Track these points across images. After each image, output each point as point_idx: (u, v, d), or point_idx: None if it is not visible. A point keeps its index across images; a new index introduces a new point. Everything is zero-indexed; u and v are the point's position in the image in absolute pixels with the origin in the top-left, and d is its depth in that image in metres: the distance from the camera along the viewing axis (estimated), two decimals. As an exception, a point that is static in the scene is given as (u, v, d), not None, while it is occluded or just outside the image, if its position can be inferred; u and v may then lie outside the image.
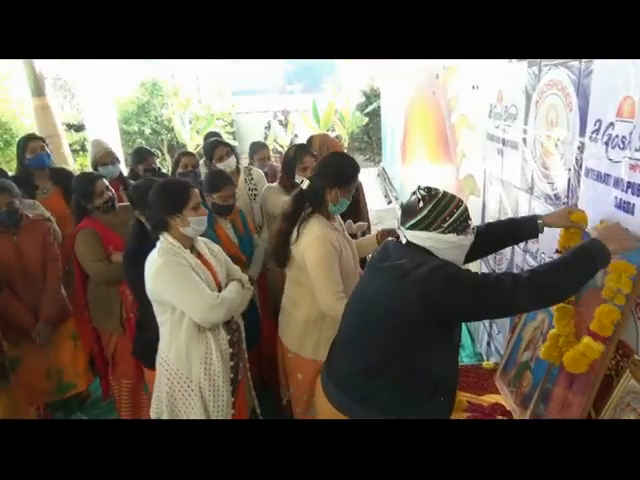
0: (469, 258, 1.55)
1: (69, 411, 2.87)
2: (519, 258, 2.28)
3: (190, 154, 3.17)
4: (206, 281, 1.81)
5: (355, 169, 2.02)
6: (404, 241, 1.46)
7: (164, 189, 1.84)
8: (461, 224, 1.41)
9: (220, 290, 1.87)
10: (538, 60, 2.00)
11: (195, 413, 1.82)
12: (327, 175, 1.94)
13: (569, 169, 1.76)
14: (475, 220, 2.14)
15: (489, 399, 1.91)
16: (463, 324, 2.83)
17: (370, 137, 10.41)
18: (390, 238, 1.59)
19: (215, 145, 3.00)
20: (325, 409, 1.57)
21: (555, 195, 1.90)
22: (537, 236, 1.63)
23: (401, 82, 5.23)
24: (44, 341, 2.49)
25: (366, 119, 10.03)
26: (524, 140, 2.16)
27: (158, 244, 1.80)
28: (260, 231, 3.00)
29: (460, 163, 3.30)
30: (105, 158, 3.07)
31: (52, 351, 2.60)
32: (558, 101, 1.84)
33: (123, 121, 9.83)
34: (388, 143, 6.53)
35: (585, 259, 1.31)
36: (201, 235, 1.92)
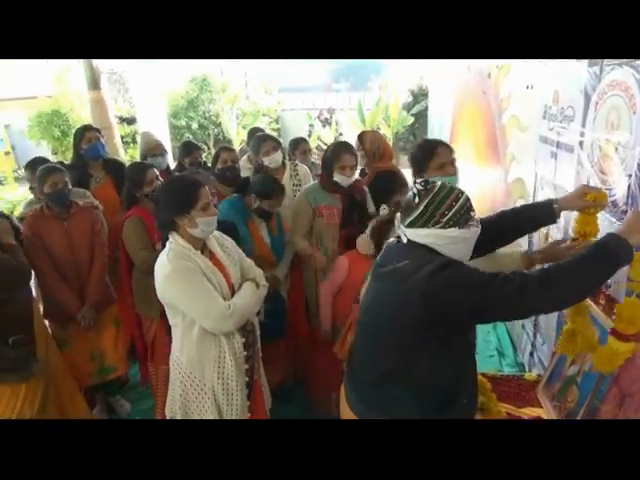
0: (483, 250, 1.45)
1: (109, 394, 2.96)
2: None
3: (230, 149, 3.21)
4: (218, 285, 1.74)
5: None
6: (404, 240, 1.38)
7: (173, 186, 1.78)
8: (462, 216, 1.30)
9: (233, 292, 1.81)
10: (600, 59, 1.90)
11: (208, 417, 1.78)
12: None
13: (630, 175, 1.65)
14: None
15: (530, 412, 1.83)
16: (505, 332, 2.74)
17: (415, 137, 10.24)
18: (392, 239, 1.49)
19: (263, 139, 3.00)
20: (345, 416, 1.54)
21: (613, 202, 1.80)
22: (555, 221, 1.53)
23: (450, 81, 5.11)
24: (88, 324, 2.58)
25: (412, 119, 9.89)
26: (580, 143, 2.05)
27: (167, 245, 1.73)
28: None
29: (509, 166, 3.19)
30: (155, 150, 3.16)
31: (96, 335, 2.70)
32: (621, 102, 1.74)
33: (172, 115, 10.10)
34: (434, 144, 6.41)
35: (603, 255, 1.20)
36: (234, 235, 1.89)
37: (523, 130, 2.88)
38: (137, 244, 2.39)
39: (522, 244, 2.57)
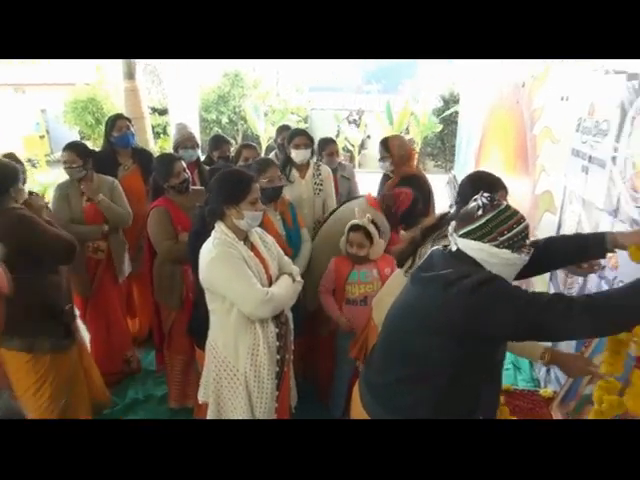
0: (524, 274, 1.42)
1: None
2: (592, 283, 2.12)
3: (251, 147, 3.22)
4: (258, 274, 1.81)
5: None
6: (454, 249, 1.37)
7: (227, 178, 1.86)
8: (518, 241, 1.29)
9: (271, 283, 1.88)
10: (639, 73, 1.85)
11: (239, 402, 1.84)
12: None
13: (663, 194, 1.61)
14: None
15: (543, 429, 1.80)
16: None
17: (444, 143, 10.17)
18: (436, 247, 1.49)
19: (299, 133, 3.01)
20: (358, 417, 1.54)
21: (643, 221, 1.75)
22: (604, 255, 1.48)
23: (483, 89, 5.04)
24: None
25: (441, 125, 9.81)
26: (613, 159, 2.00)
27: (213, 233, 1.82)
28: (320, 226, 3.00)
29: (538, 178, 3.13)
30: (187, 142, 3.19)
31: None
32: (658, 119, 1.69)
33: (203, 109, 10.24)
34: (462, 150, 6.33)
35: None
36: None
37: (555, 142, 2.83)
38: (161, 234, 2.42)
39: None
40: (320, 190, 2.98)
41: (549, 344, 1.78)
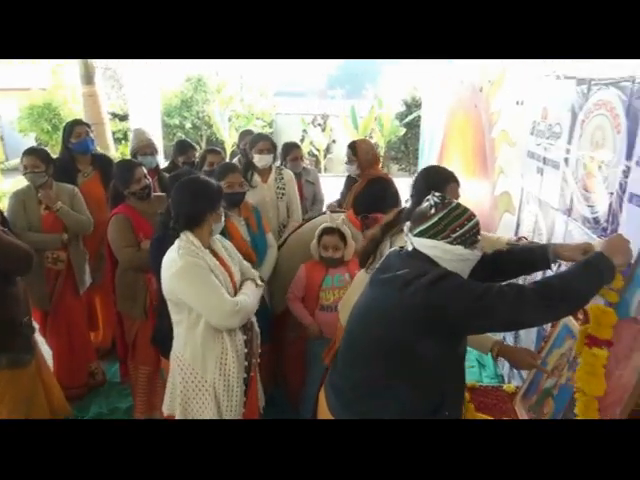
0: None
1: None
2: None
3: (216, 152, 3.20)
4: (224, 283, 1.79)
5: None
6: (410, 248, 1.41)
7: (204, 184, 1.85)
8: (469, 238, 1.34)
9: (236, 290, 1.87)
10: (587, 78, 1.94)
11: (208, 412, 1.81)
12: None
13: (611, 193, 1.69)
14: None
15: (507, 423, 1.85)
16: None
17: (407, 147, 10.34)
18: (395, 248, 1.53)
19: (262, 137, 3.04)
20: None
21: (594, 219, 1.83)
22: (550, 267, 1.55)
23: (443, 93, 5.16)
24: None
25: (404, 129, 9.98)
26: (566, 160, 2.09)
27: (178, 242, 1.78)
28: (283, 230, 3.02)
29: (497, 179, 3.23)
30: (146, 148, 3.14)
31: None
32: (606, 122, 1.78)
33: (166, 114, 10.07)
34: (425, 154, 6.45)
35: (592, 274, 1.28)
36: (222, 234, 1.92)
37: (512, 145, 2.93)
38: (122, 242, 2.37)
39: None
40: (283, 194, 3.00)
41: (500, 337, 1.85)
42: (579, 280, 1.28)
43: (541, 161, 2.39)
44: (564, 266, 1.86)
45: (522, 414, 1.86)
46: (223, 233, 2.38)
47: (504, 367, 2.95)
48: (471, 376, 3.05)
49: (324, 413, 1.55)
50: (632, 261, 1.44)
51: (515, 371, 2.69)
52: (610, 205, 1.70)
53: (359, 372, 1.46)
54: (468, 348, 2.35)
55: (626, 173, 1.59)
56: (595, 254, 1.32)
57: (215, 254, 1.86)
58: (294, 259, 2.60)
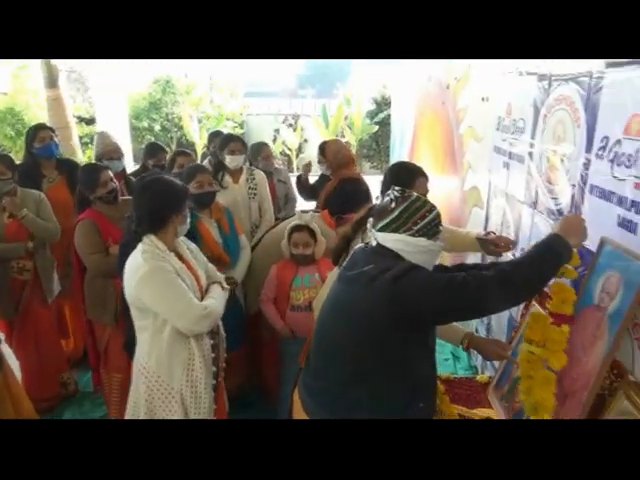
0: None
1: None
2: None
3: (186, 154, 3.17)
4: (191, 286, 1.76)
5: None
6: (374, 244, 1.42)
7: (169, 184, 1.80)
8: (431, 229, 1.36)
9: (202, 294, 1.83)
10: (548, 74, 1.99)
11: None
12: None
13: (573, 185, 1.74)
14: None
15: (481, 413, 1.89)
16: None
17: (379, 144, 10.42)
18: (360, 245, 1.54)
19: (232, 138, 3.03)
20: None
21: (558, 210, 1.88)
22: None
23: (412, 91, 5.22)
24: None
25: (376, 127, 10.05)
26: (530, 154, 2.14)
27: (141, 246, 1.72)
28: (256, 230, 3.01)
29: (466, 175, 3.29)
30: (111, 153, 3.07)
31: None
32: (566, 116, 1.83)
33: (134, 116, 9.89)
34: (396, 151, 6.52)
35: (550, 257, 1.31)
36: (185, 234, 1.89)
37: (478, 140, 2.98)
38: (89, 248, 2.31)
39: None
40: (255, 194, 3.00)
41: (471, 329, 1.88)
42: (538, 263, 1.30)
43: (507, 156, 2.44)
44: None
45: (495, 404, 1.91)
46: (194, 236, 2.37)
47: (477, 359, 3.00)
48: (446, 368, 3.10)
49: (299, 413, 1.55)
50: (594, 250, 1.49)
51: (488, 362, 2.74)
52: (572, 197, 1.75)
53: (330, 370, 1.46)
54: (444, 342, 2.40)
55: (586, 165, 1.64)
56: (551, 236, 1.35)
57: (180, 257, 1.82)
58: (268, 259, 2.59)
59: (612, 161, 1.48)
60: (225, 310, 2.53)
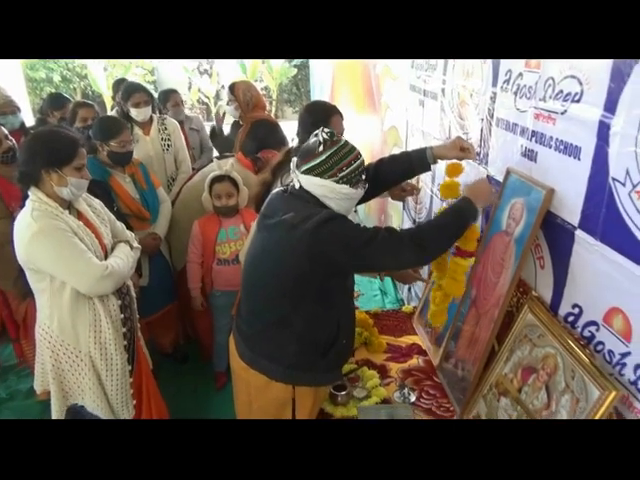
0: (365, 198, 1.56)
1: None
2: (437, 206, 2.37)
3: (88, 105, 2.94)
4: (91, 246, 1.65)
5: None
6: (297, 186, 1.42)
7: (49, 138, 1.63)
8: (355, 177, 1.38)
9: (106, 253, 1.74)
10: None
11: (87, 384, 1.72)
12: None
13: (482, 119, 1.81)
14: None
15: (407, 340, 2.03)
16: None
17: (299, 89, 10.21)
18: (277, 190, 1.53)
19: (135, 89, 2.80)
20: (236, 366, 1.60)
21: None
22: (429, 169, 1.67)
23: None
24: None
25: (295, 70, 9.80)
26: (442, 91, 2.20)
27: (29, 204, 1.58)
28: (172, 183, 2.90)
29: (385, 115, 3.32)
30: (4, 107, 2.78)
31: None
32: (474, 51, 1.87)
33: (29, 67, 8.92)
34: (317, 95, 6.43)
35: (459, 217, 1.43)
36: (96, 192, 1.79)
37: (394, 79, 3.00)
38: (-9, 213, 2.13)
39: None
40: (169, 145, 2.86)
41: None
42: (449, 224, 1.42)
43: (422, 93, 2.48)
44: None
45: (419, 330, 2.05)
46: (109, 192, 2.25)
47: (403, 292, 3.18)
48: (375, 303, 3.26)
49: (235, 360, 1.59)
50: (496, 192, 1.59)
51: (413, 294, 2.91)
52: (481, 130, 1.83)
53: (260, 315, 1.50)
54: (372, 281, 2.49)
55: (493, 99, 1.71)
56: (461, 199, 1.45)
57: (80, 215, 1.70)
58: (189, 212, 2.53)
59: (515, 93, 1.56)
60: (152, 268, 2.48)
